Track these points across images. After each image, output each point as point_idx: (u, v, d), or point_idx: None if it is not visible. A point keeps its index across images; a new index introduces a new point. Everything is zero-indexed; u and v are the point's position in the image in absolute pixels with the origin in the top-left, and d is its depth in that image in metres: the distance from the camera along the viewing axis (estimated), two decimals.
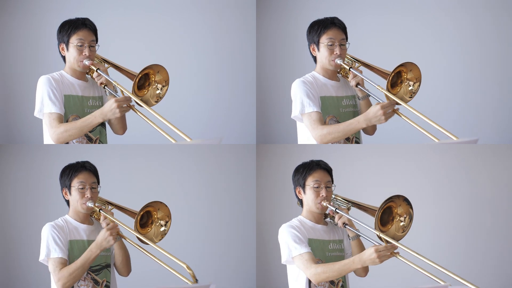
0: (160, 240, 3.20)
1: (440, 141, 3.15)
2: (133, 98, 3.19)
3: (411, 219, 3.09)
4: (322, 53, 3.32)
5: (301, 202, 3.29)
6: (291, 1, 4.57)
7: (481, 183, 4.33)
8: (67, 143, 3.28)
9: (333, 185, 3.24)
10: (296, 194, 3.29)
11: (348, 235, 3.22)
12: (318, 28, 3.31)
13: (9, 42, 4.50)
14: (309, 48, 3.37)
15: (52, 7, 4.48)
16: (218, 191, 4.46)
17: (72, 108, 3.30)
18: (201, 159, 4.44)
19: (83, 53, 3.28)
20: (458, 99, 4.51)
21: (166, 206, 3.21)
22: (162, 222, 3.21)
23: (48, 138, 3.29)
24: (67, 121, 3.29)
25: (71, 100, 3.31)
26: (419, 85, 3.24)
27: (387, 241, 3.05)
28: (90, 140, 3.34)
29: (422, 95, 4.53)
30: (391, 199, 3.06)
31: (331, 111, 3.35)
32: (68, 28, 3.29)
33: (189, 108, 4.57)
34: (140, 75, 3.22)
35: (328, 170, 3.25)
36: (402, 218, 3.09)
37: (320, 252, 3.20)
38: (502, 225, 4.31)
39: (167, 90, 3.28)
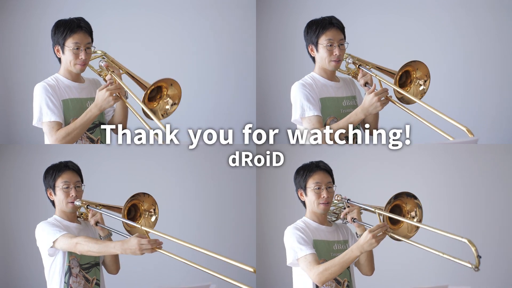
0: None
1: (440, 142, 3.15)
2: (142, 106, 3.17)
3: (420, 209, 3.11)
4: (321, 54, 3.31)
5: (303, 203, 3.29)
6: (291, 1, 4.57)
7: (481, 183, 4.33)
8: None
9: (334, 185, 3.25)
10: (298, 196, 3.29)
11: (356, 233, 3.21)
12: (316, 29, 3.29)
13: (9, 44, 4.50)
14: (307, 49, 3.36)
15: (52, 8, 4.48)
16: (218, 192, 4.46)
17: (71, 112, 3.30)
18: (201, 160, 4.44)
19: (79, 57, 3.26)
20: (458, 99, 4.51)
21: (150, 195, 3.22)
22: (151, 213, 3.22)
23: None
24: None
25: (69, 104, 3.30)
26: (429, 82, 3.23)
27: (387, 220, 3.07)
28: (92, 141, 3.34)
29: None
30: (399, 196, 3.08)
31: (332, 112, 3.35)
32: (64, 30, 3.25)
33: (189, 108, 4.57)
34: (152, 87, 3.20)
35: (328, 171, 3.25)
36: (413, 213, 3.11)
37: (325, 252, 3.20)
38: (501, 225, 4.31)
39: (175, 109, 3.27)
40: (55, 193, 3.24)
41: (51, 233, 3.15)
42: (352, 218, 3.17)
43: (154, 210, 3.24)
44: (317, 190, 3.21)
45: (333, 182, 3.25)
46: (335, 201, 3.30)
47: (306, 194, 3.25)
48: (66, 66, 3.30)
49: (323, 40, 3.29)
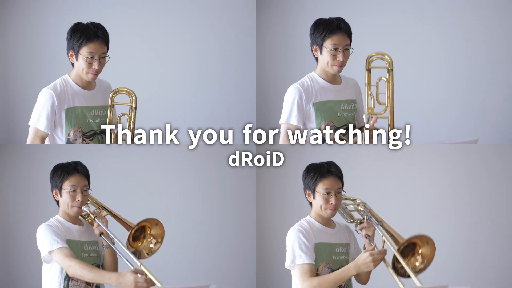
0: (146, 254, 3.17)
1: (440, 142, 3.15)
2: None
3: (429, 262, 3.07)
4: (325, 57, 3.29)
5: (310, 203, 3.25)
6: (291, 1, 4.56)
7: (481, 183, 4.33)
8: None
9: (343, 191, 3.21)
10: (305, 196, 3.26)
11: (364, 245, 3.17)
12: (323, 31, 3.26)
13: (9, 44, 4.50)
14: (311, 48, 3.34)
15: (52, 7, 4.48)
16: (218, 192, 4.46)
17: (73, 121, 3.30)
18: (201, 160, 4.44)
19: (93, 66, 3.24)
20: (459, 99, 4.50)
21: (162, 226, 3.18)
22: (154, 240, 3.19)
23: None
24: (68, 134, 3.29)
25: (73, 112, 3.30)
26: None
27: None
28: None
29: (423, 95, 4.55)
30: (418, 237, 3.05)
31: (328, 116, 3.33)
32: (80, 37, 3.23)
33: (189, 108, 4.57)
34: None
35: (339, 176, 3.20)
36: (420, 259, 3.08)
37: (328, 255, 3.18)
38: (501, 225, 4.31)
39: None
40: (61, 195, 3.21)
41: (49, 243, 3.12)
42: (367, 234, 3.13)
43: (158, 241, 3.20)
44: (326, 195, 3.17)
45: (342, 187, 3.21)
46: (360, 208, 3.26)
47: (314, 197, 3.20)
48: (78, 72, 3.29)
49: (328, 44, 3.26)
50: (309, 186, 3.21)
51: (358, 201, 3.32)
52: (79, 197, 3.18)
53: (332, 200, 3.17)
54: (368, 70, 3.33)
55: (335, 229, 3.25)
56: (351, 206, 3.34)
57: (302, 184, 3.26)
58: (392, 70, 3.32)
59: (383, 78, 3.33)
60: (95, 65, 3.24)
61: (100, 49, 3.25)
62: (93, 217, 3.16)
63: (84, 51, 3.23)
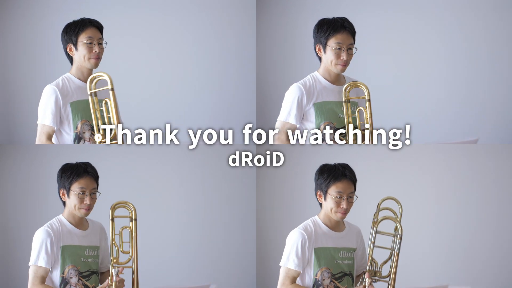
0: None
1: (440, 142, 3.14)
2: None
3: None
4: (328, 56, 3.28)
5: (320, 204, 3.24)
6: (291, 1, 4.57)
7: (481, 183, 4.33)
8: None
9: (355, 195, 3.20)
10: (316, 197, 3.25)
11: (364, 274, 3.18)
12: (327, 30, 3.24)
13: (9, 44, 4.50)
14: (315, 48, 3.33)
15: (51, 7, 4.48)
16: (218, 192, 4.46)
17: (80, 114, 3.30)
18: (201, 160, 4.44)
19: (93, 51, 3.29)
20: (459, 99, 4.50)
21: None
22: None
23: None
24: (76, 128, 3.30)
25: (78, 105, 3.30)
26: None
27: None
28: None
29: (423, 95, 4.55)
30: None
31: (328, 116, 3.31)
32: (76, 27, 3.29)
33: (189, 108, 4.57)
34: None
35: (353, 180, 3.19)
36: None
37: (329, 260, 3.18)
38: (502, 225, 4.31)
39: None
40: (68, 196, 3.19)
41: (36, 256, 3.13)
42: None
43: None
44: (338, 199, 3.16)
45: (355, 190, 3.20)
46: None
47: (325, 199, 3.19)
48: (80, 63, 3.32)
49: (332, 43, 3.25)
50: (321, 187, 3.19)
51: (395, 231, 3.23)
52: (87, 200, 3.17)
53: (344, 204, 3.15)
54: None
55: (343, 232, 3.24)
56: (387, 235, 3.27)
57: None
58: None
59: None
60: (96, 49, 3.29)
61: (96, 34, 3.31)
62: (114, 275, 3.11)
63: (83, 37, 3.29)
